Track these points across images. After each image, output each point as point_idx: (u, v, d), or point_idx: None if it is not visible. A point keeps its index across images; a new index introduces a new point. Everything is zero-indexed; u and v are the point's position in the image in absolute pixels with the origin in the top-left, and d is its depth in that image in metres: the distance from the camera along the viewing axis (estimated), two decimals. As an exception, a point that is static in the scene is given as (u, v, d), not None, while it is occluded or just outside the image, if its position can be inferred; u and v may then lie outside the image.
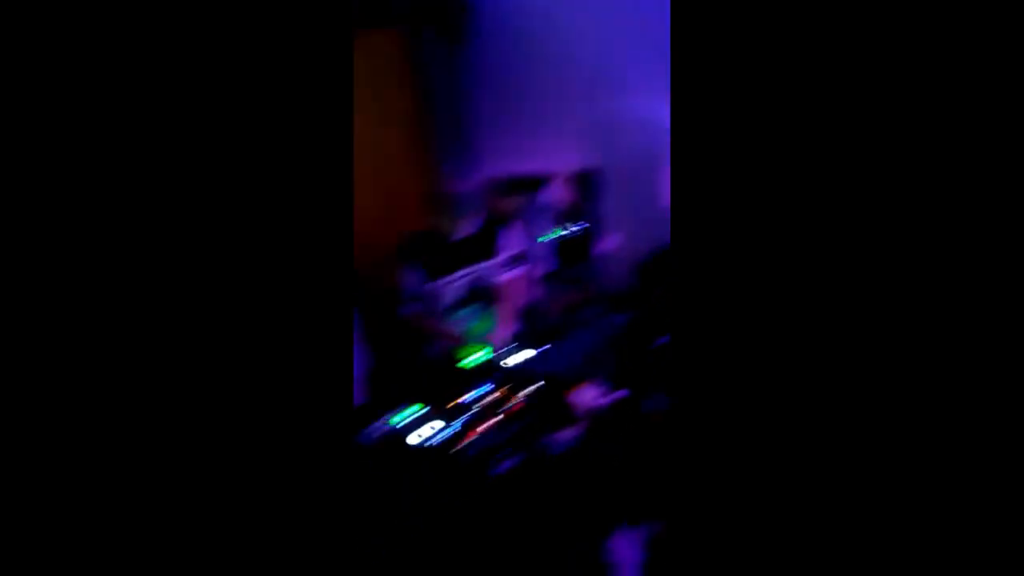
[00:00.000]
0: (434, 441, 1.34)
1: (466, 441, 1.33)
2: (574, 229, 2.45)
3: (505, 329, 1.87)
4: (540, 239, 2.38)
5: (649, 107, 2.14)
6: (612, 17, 2.18)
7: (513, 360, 1.70)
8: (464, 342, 1.83)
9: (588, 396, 1.38)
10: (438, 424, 1.38)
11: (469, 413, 1.41)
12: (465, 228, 1.82)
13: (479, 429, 1.35)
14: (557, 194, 2.42)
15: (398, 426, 1.40)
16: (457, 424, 1.37)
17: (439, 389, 1.54)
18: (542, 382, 1.50)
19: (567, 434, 1.29)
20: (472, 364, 1.74)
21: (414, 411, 1.44)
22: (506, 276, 1.88)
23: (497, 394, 1.48)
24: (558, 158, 2.41)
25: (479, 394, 1.48)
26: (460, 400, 1.46)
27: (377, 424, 1.41)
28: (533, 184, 2.45)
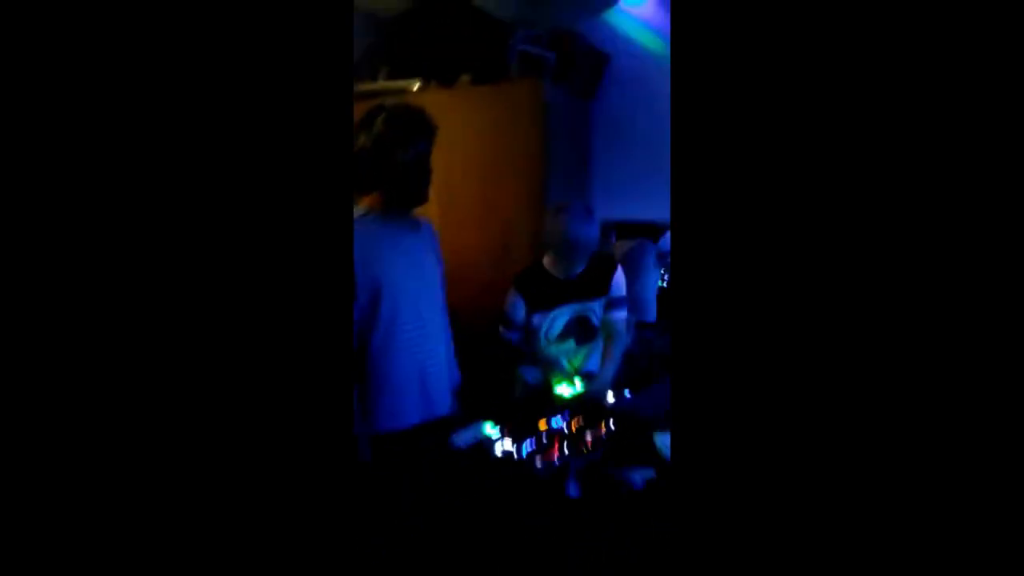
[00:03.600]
0: (518, 455, 1.40)
1: (547, 458, 1.40)
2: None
3: (609, 367, 1.96)
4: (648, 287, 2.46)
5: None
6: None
7: (611, 398, 1.80)
8: (559, 372, 1.95)
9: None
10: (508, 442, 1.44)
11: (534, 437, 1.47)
12: (576, 268, 1.96)
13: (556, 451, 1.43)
14: (668, 244, 2.49)
15: (491, 437, 1.51)
16: (531, 443, 1.45)
17: (526, 411, 1.65)
18: (611, 419, 1.56)
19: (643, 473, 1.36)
20: (566, 396, 1.86)
21: (487, 428, 1.51)
22: (610, 316, 1.99)
23: (572, 423, 1.57)
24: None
25: (559, 423, 1.56)
26: (545, 425, 1.54)
27: (467, 431, 1.52)
28: (647, 231, 2.54)
